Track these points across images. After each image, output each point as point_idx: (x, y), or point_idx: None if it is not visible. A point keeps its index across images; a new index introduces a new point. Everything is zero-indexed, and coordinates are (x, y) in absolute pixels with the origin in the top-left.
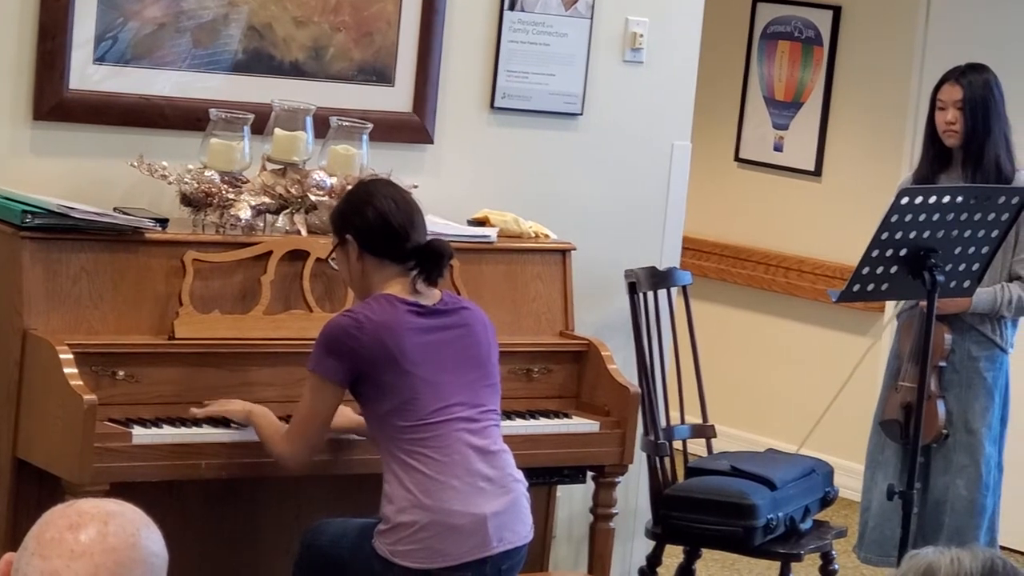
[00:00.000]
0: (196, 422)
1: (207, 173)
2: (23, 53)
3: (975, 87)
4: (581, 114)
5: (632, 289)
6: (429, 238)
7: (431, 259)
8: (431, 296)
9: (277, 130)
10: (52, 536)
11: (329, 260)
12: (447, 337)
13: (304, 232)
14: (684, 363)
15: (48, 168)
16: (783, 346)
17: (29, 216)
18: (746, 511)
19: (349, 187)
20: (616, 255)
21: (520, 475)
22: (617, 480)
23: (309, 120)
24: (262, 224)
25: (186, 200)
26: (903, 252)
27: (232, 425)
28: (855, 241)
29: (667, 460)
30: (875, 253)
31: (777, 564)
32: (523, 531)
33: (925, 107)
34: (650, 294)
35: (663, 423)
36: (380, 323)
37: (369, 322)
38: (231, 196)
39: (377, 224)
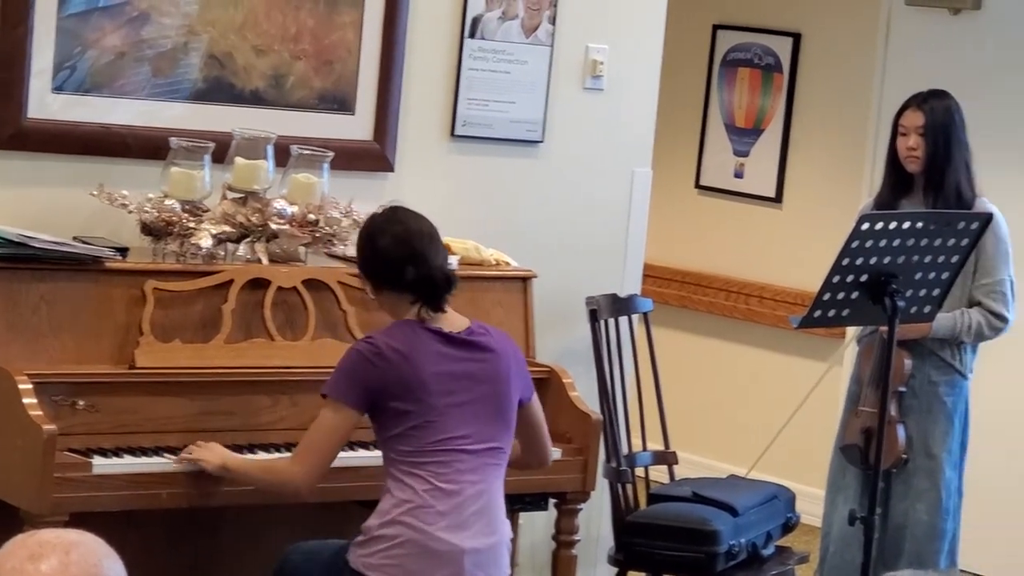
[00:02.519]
0: (156, 451)
1: (167, 202)
2: None
3: (937, 113)
4: (542, 141)
5: (593, 316)
6: (429, 267)
7: (427, 289)
8: (457, 324)
9: (238, 159)
10: (13, 566)
11: (366, 292)
12: (467, 369)
13: (265, 261)
14: (646, 390)
15: (7, 198)
16: (745, 372)
17: None
18: (708, 537)
19: (310, 215)
20: (577, 282)
21: (507, 522)
22: (579, 507)
23: (270, 149)
24: (223, 253)
25: (147, 229)
26: (864, 278)
27: None
28: (816, 267)
29: (629, 487)
30: (836, 279)
31: None
32: (498, 575)
33: (885, 133)
34: (611, 321)
35: (625, 450)
36: (399, 350)
37: (388, 349)
38: (192, 225)
39: (377, 261)
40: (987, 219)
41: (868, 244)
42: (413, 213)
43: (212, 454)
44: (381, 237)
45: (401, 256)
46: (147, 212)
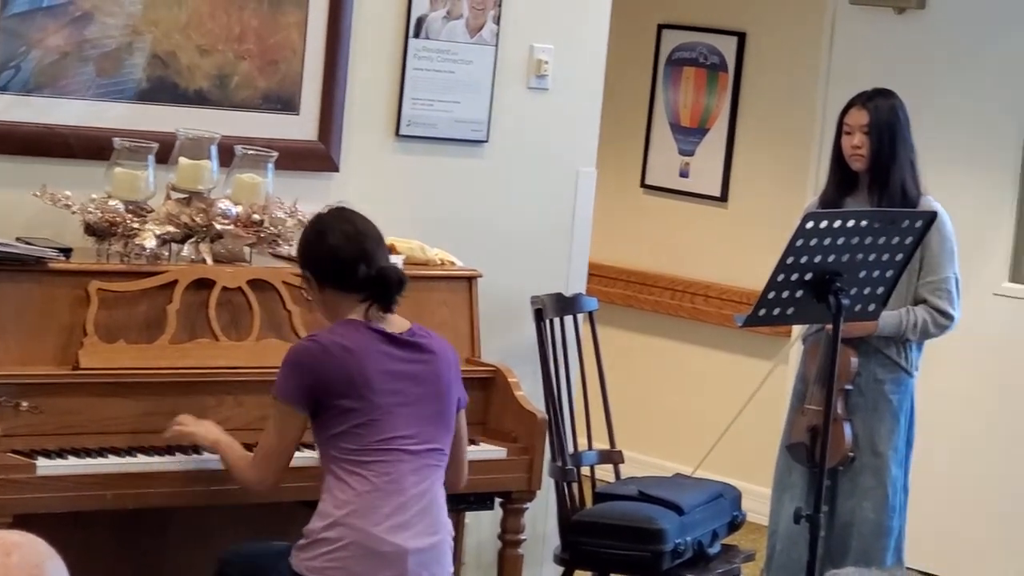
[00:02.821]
0: (101, 452)
1: (111, 202)
2: None
3: (881, 112)
4: (486, 141)
5: (538, 315)
6: (382, 266)
7: (380, 288)
8: (399, 325)
9: (182, 159)
10: None
11: (303, 292)
12: (410, 370)
13: (209, 261)
14: (591, 389)
15: None
16: (690, 371)
17: None
18: (654, 536)
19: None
20: (522, 282)
21: (449, 521)
22: (525, 506)
23: (214, 149)
24: (167, 253)
25: (90, 230)
26: (808, 276)
27: (137, 455)
28: (761, 266)
29: (575, 486)
30: (780, 277)
31: None
32: (442, 575)
33: (829, 132)
34: (556, 320)
35: (571, 449)
36: (344, 347)
37: (333, 345)
38: (136, 225)
39: (327, 259)
40: (931, 217)
41: (813, 243)
42: (359, 215)
43: (207, 429)
44: (331, 234)
45: (352, 254)
46: (91, 213)
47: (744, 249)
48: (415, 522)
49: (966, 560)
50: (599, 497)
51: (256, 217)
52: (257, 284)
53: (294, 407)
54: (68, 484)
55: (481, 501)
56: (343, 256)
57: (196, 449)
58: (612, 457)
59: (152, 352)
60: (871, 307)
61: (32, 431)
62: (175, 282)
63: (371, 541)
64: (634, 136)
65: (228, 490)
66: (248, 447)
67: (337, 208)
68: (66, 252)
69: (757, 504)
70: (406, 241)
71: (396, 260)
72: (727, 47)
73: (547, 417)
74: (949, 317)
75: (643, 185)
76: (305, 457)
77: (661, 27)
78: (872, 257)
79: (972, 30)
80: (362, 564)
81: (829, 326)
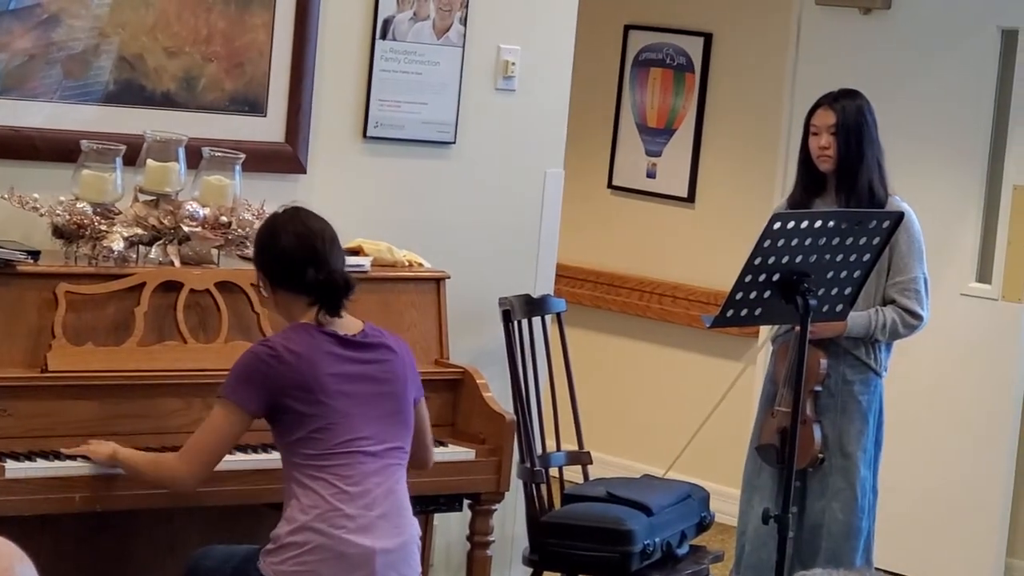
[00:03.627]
0: (70, 455)
1: (79, 205)
2: None
3: (848, 112)
4: (454, 142)
5: (506, 317)
6: (330, 271)
7: (327, 292)
8: (351, 326)
9: (149, 161)
10: None
11: (260, 290)
12: (365, 371)
13: (177, 263)
14: (559, 390)
15: None
16: (658, 372)
17: None
18: (623, 537)
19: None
20: (490, 283)
21: (415, 520)
22: (493, 508)
23: (181, 151)
24: (135, 256)
25: (58, 232)
26: (776, 277)
27: None
28: (728, 267)
29: (543, 487)
30: (748, 278)
31: None
32: (410, 574)
33: (796, 133)
34: (524, 322)
35: (539, 450)
36: (297, 352)
37: (287, 351)
38: (103, 228)
39: (278, 260)
40: (899, 218)
41: (780, 243)
42: (315, 215)
43: (101, 447)
44: (283, 236)
45: (303, 257)
46: (58, 215)
47: (712, 250)
48: (381, 523)
49: (934, 561)
50: (567, 498)
51: (224, 219)
52: (225, 286)
53: (243, 410)
54: (36, 486)
55: (450, 503)
56: (292, 258)
57: (164, 452)
58: (580, 458)
59: (120, 354)
60: (839, 308)
61: (0, 434)
62: (143, 284)
63: (338, 544)
64: (601, 137)
65: (196, 492)
66: None
67: (292, 208)
68: (34, 255)
69: (725, 505)
70: (374, 243)
71: (364, 262)
72: (694, 48)
73: (515, 418)
74: (918, 317)
75: (610, 186)
76: (273, 460)
77: (628, 28)
78: (840, 258)
79: (938, 30)
80: (330, 567)
81: (798, 327)
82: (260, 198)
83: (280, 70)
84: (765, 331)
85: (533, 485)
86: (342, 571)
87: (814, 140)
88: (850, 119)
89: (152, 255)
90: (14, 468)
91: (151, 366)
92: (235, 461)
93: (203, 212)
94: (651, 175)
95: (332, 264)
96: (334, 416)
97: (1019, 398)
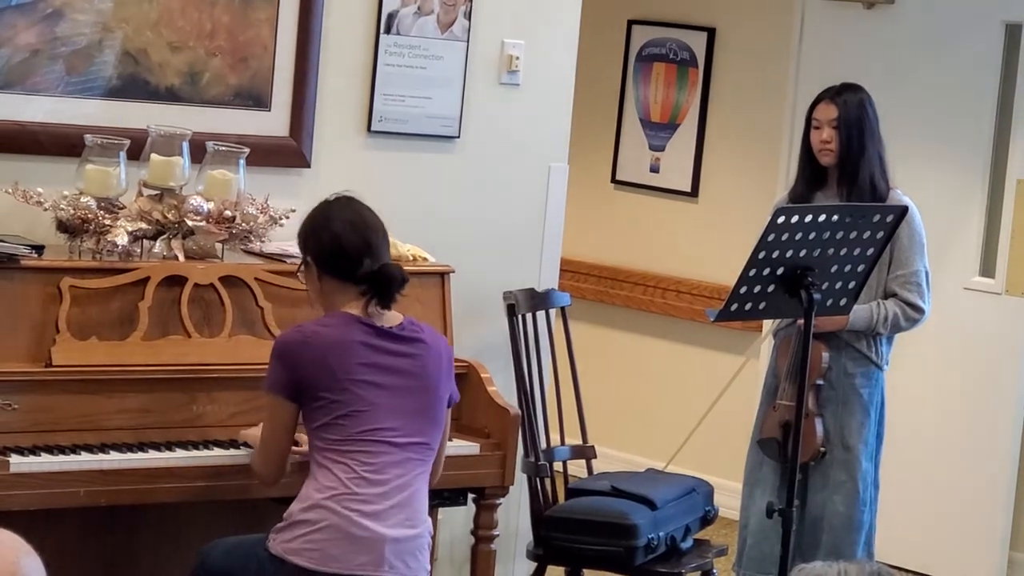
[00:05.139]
0: (74, 449)
1: (83, 199)
2: None
3: (850, 106)
4: (458, 137)
5: (511, 311)
6: (384, 262)
7: (381, 284)
8: (391, 319)
9: (153, 155)
10: None
11: (297, 275)
12: (396, 363)
13: (181, 257)
14: (563, 384)
15: None
16: (662, 366)
17: None
18: (627, 531)
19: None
20: (494, 277)
21: (429, 519)
22: (498, 502)
23: (185, 145)
24: (139, 250)
25: (62, 227)
26: (780, 271)
27: (110, 452)
28: (732, 261)
29: (548, 481)
30: (752, 272)
31: None
32: (418, 569)
33: (799, 127)
34: (529, 316)
35: (543, 444)
36: (327, 338)
37: (316, 336)
38: (107, 222)
39: (332, 248)
40: (902, 212)
41: (783, 237)
42: (366, 206)
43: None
44: (338, 224)
45: (358, 246)
46: (63, 210)
47: (715, 244)
48: (394, 512)
49: (937, 554)
50: (572, 493)
51: (228, 213)
52: (229, 280)
53: (281, 398)
54: (41, 481)
55: (454, 497)
56: (348, 247)
57: (169, 447)
58: (584, 452)
59: (124, 349)
60: (842, 301)
61: (5, 428)
62: (147, 279)
63: (349, 525)
64: (605, 132)
65: (201, 487)
66: (220, 444)
67: (345, 197)
68: (38, 249)
69: (729, 499)
70: None
71: None
72: (697, 42)
73: (520, 412)
74: (920, 310)
75: (614, 180)
76: None
77: (631, 23)
78: (843, 252)
79: (942, 24)
80: (339, 547)
81: (800, 321)
82: (264, 192)
83: (284, 64)
84: (768, 325)
85: (537, 479)
86: (350, 553)
87: (815, 134)
88: (851, 113)
89: (156, 249)
90: (19, 463)
91: (155, 360)
92: (239, 456)
93: (207, 206)
94: (655, 170)
95: (385, 256)
96: (359, 404)
97: (1022, 392)
